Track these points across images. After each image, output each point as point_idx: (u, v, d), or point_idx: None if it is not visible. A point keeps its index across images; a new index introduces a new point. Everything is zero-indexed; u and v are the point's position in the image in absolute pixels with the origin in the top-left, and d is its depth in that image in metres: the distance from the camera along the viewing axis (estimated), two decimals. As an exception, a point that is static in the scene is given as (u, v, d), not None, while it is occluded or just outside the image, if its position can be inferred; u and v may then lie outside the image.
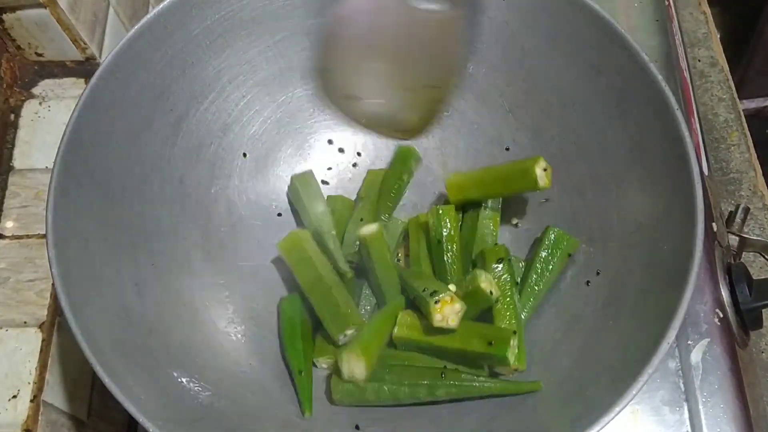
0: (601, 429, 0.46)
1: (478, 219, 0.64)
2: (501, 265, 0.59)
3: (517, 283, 0.60)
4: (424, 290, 0.55)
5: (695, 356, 0.63)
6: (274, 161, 0.70)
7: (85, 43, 0.73)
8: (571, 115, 0.63)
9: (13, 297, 0.62)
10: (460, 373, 0.56)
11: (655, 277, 0.53)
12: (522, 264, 0.63)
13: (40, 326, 0.61)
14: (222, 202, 0.67)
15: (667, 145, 0.55)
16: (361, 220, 0.66)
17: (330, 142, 0.72)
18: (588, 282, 0.59)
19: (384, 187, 0.69)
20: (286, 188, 0.70)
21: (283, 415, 0.56)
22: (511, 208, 0.67)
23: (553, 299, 0.61)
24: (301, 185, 0.68)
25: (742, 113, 0.86)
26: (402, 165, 0.70)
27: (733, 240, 0.74)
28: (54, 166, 0.53)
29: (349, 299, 0.61)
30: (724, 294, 0.66)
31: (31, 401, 0.58)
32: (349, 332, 0.59)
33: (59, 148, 0.53)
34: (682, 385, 0.62)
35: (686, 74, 0.81)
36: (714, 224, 0.69)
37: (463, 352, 0.55)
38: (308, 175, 0.69)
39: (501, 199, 0.65)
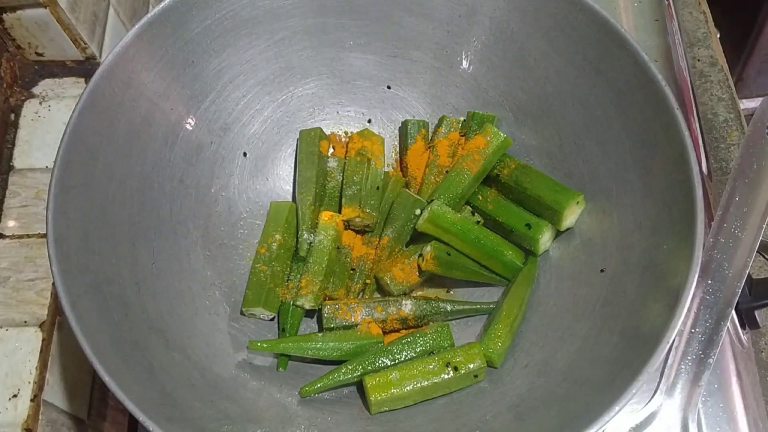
0: (600, 428, 0.46)
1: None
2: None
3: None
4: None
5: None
6: (274, 161, 0.70)
7: (85, 43, 0.73)
8: (571, 115, 0.63)
9: (13, 296, 0.62)
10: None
11: (655, 277, 0.53)
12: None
13: (41, 326, 0.61)
14: (222, 202, 0.67)
15: (667, 145, 0.55)
16: (378, 188, 0.67)
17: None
18: (601, 270, 0.59)
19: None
20: (287, 187, 0.70)
21: (282, 414, 0.56)
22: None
23: (553, 299, 0.61)
24: (304, 142, 0.69)
25: (741, 113, 0.86)
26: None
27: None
28: (54, 165, 0.53)
29: (280, 282, 0.64)
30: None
31: (32, 400, 0.58)
32: (254, 312, 0.63)
33: (59, 147, 0.53)
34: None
35: (686, 74, 0.81)
36: (713, 224, 0.69)
37: (508, 227, 0.64)
38: (314, 133, 0.69)
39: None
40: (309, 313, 0.65)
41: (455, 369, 0.57)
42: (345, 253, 0.66)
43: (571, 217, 0.62)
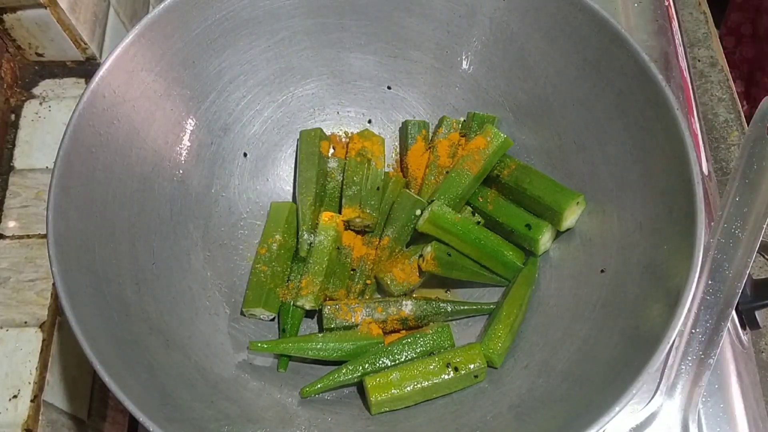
0: (601, 428, 0.46)
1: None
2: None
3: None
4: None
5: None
6: (274, 161, 0.70)
7: (85, 43, 0.73)
8: (571, 115, 0.63)
9: (13, 297, 0.62)
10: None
11: (655, 277, 0.53)
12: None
13: (41, 326, 0.61)
14: (222, 202, 0.67)
15: (667, 145, 0.55)
16: (378, 189, 0.67)
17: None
18: (601, 271, 0.59)
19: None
20: (287, 188, 0.70)
21: (282, 414, 0.56)
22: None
23: (554, 299, 0.61)
24: (304, 143, 0.69)
25: (742, 113, 0.86)
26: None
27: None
28: (54, 166, 0.53)
29: (281, 282, 0.64)
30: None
31: (32, 401, 0.58)
32: (255, 312, 0.63)
33: (60, 148, 0.53)
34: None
35: (686, 74, 0.81)
36: (713, 224, 0.70)
37: (509, 228, 0.64)
38: (314, 133, 0.69)
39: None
40: (309, 314, 0.65)
41: (455, 369, 0.57)
42: (345, 253, 0.66)
43: (571, 217, 0.62)
